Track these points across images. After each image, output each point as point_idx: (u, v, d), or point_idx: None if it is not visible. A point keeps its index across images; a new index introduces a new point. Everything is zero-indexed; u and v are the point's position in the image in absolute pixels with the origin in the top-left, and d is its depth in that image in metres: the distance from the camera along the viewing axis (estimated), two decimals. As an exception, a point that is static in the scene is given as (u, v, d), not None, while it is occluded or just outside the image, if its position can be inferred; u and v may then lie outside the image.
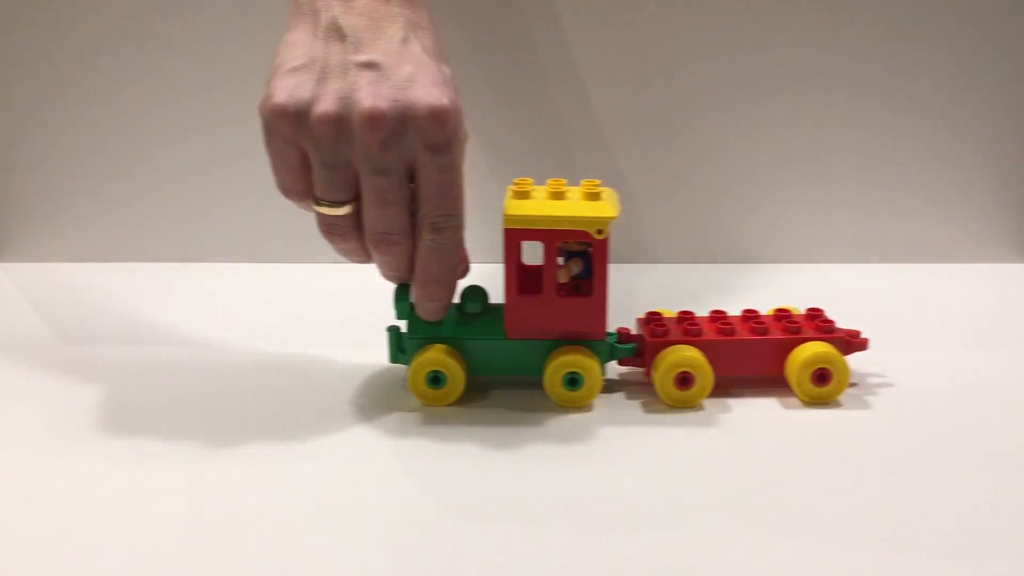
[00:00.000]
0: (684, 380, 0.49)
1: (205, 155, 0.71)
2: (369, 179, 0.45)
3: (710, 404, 0.49)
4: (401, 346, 0.51)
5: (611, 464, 0.44)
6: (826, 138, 0.70)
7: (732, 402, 0.49)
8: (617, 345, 0.51)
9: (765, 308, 0.53)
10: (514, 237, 0.48)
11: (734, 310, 0.53)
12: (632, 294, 0.64)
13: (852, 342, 0.51)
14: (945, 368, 0.53)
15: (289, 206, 0.47)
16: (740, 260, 0.71)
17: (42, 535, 0.39)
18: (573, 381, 0.49)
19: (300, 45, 0.46)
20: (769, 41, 0.68)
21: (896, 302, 0.64)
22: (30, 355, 0.56)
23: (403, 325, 0.50)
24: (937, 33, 0.68)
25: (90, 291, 0.67)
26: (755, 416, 0.48)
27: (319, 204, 0.46)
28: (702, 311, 0.53)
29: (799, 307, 0.53)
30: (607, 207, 0.48)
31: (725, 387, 0.50)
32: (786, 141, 0.70)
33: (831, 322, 0.51)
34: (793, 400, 0.49)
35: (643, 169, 0.71)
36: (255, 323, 0.61)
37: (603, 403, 0.50)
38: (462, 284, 0.50)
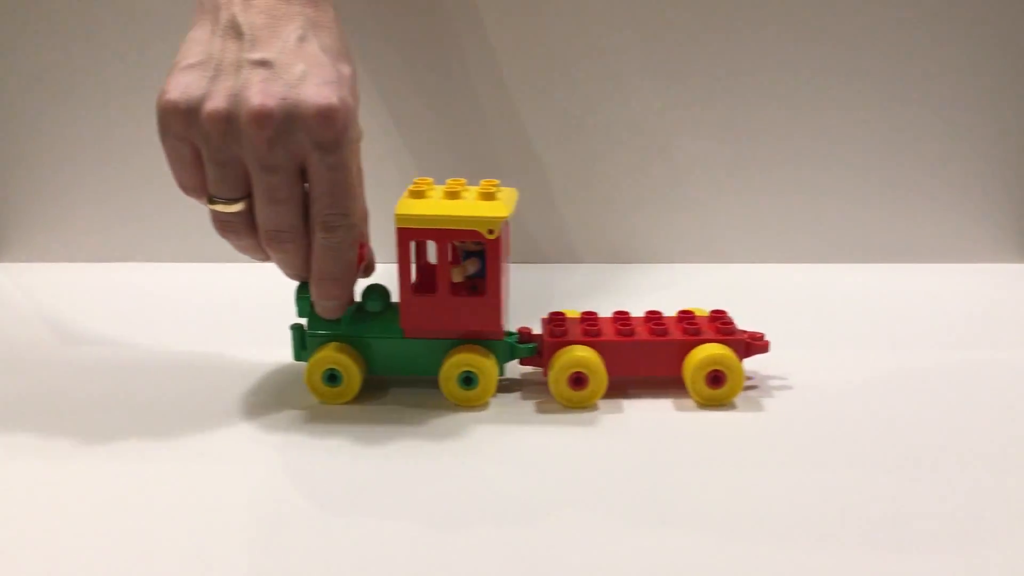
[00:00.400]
0: (578, 380, 0.49)
1: None
2: (259, 177, 0.45)
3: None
4: (304, 344, 0.51)
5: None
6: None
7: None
8: (517, 345, 0.51)
9: (682, 309, 0.53)
10: (406, 236, 0.48)
11: (653, 311, 0.53)
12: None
13: (753, 344, 0.51)
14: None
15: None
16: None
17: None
18: (468, 380, 0.49)
19: (198, 42, 0.46)
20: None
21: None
22: (30, 355, 0.57)
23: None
24: (936, 32, 0.68)
25: (90, 291, 0.67)
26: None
27: (212, 201, 0.46)
28: (627, 311, 0.53)
29: (730, 309, 0.53)
30: (499, 207, 0.48)
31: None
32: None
33: (731, 324, 0.51)
34: (688, 402, 0.49)
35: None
36: (238, 322, 0.61)
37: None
38: (368, 282, 0.51)
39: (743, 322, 0.52)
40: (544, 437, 0.47)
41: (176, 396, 0.51)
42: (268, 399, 0.50)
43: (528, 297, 0.60)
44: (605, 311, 0.53)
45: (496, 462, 0.45)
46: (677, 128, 0.70)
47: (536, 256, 0.72)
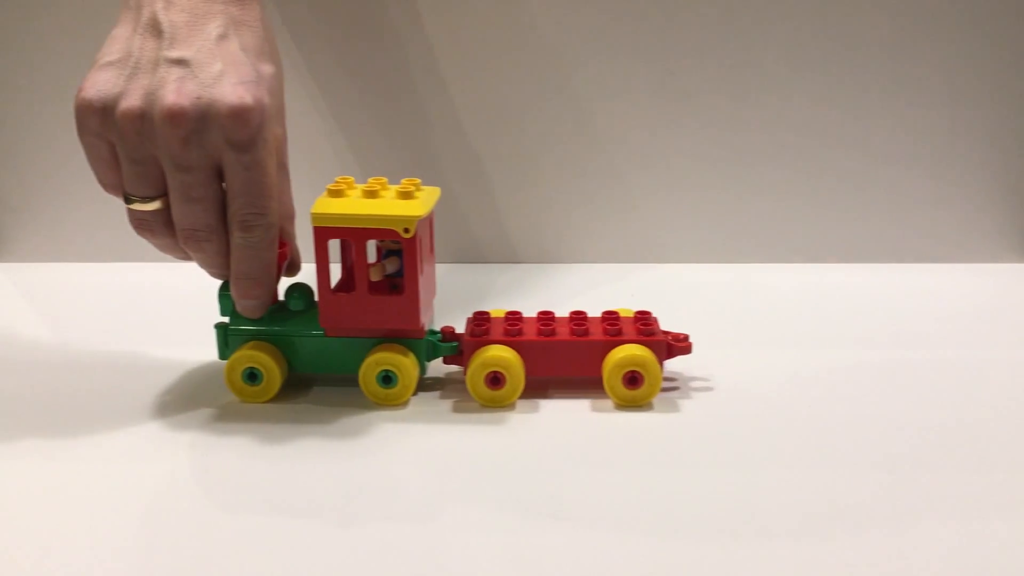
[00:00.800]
0: (495, 379, 0.49)
1: None
2: (174, 175, 0.45)
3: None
4: (227, 342, 0.51)
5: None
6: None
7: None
8: (440, 344, 0.51)
9: (608, 310, 0.53)
10: (322, 235, 0.48)
11: (578, 311, 0.52)
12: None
13: (674, 345, 0.50)
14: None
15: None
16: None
17: None
18: (387, 379, 0.49)
19: (119, 40, 0.47)
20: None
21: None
22: (30, 355, 0.57)
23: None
24: (936, 31, 0.68)
25: (90, 291, 0.68)
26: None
27: (129, 199, 0.47)
28: (552, 311, 0.53)
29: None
30: (416, 206, 0.48)
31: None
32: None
33: (653, 325, 0.51)
34: (606, 403, 0.49)
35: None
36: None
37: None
38: (291, 281, 0.51)
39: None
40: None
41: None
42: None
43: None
44: (538, 311, 0.53)
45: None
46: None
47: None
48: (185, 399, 0.50)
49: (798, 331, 0.60)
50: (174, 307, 0.63)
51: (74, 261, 0.73)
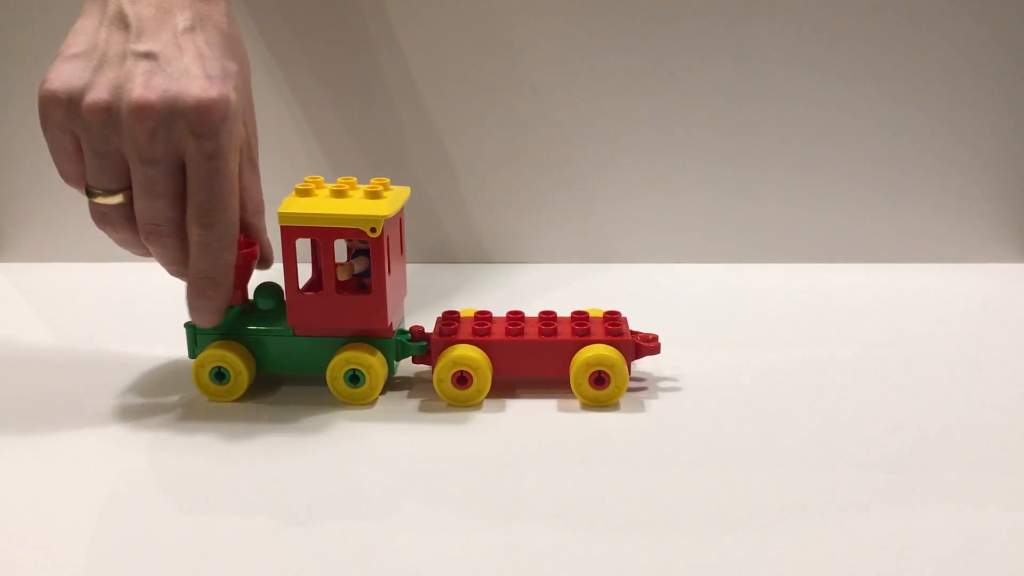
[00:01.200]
0: (462, 379, 0.49)
1: None
2: (138, 169, 0.45)
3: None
4: (196, 341, 0.51)
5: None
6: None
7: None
8: (408, 343, 0.51)
9: (577, 310, 0.53)
10: (290, 235, 0.48)
11: (548, 311, 0.53)
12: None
13: (643, 346, 0.50)
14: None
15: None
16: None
17: None
18: (355, 378, 0.49)
19: (84, 32, 0.47)
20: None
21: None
22: (29, 355, 0.57)
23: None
24: (936, 31, 0.68)
25: (90, 291, 0.68)
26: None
27: (91, 193, 0.47)
28: (522, 311, 0.53)
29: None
30: (383, 206, 0.48)
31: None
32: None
33: (621, 325, 0.51)
34: (573, 402, 0.49)
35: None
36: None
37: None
38: (261, 279, 0.51)
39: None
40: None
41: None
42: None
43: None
44: (508, 310, 0.53)
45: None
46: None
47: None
48: (172, 397, 0.51)
49: (784, 331, 0.60)
50: (174, 307, 0.62)
51: (74, 261, 0.73)
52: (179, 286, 0.51)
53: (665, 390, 0.51)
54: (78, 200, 0.72)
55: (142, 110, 0.44)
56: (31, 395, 0.51)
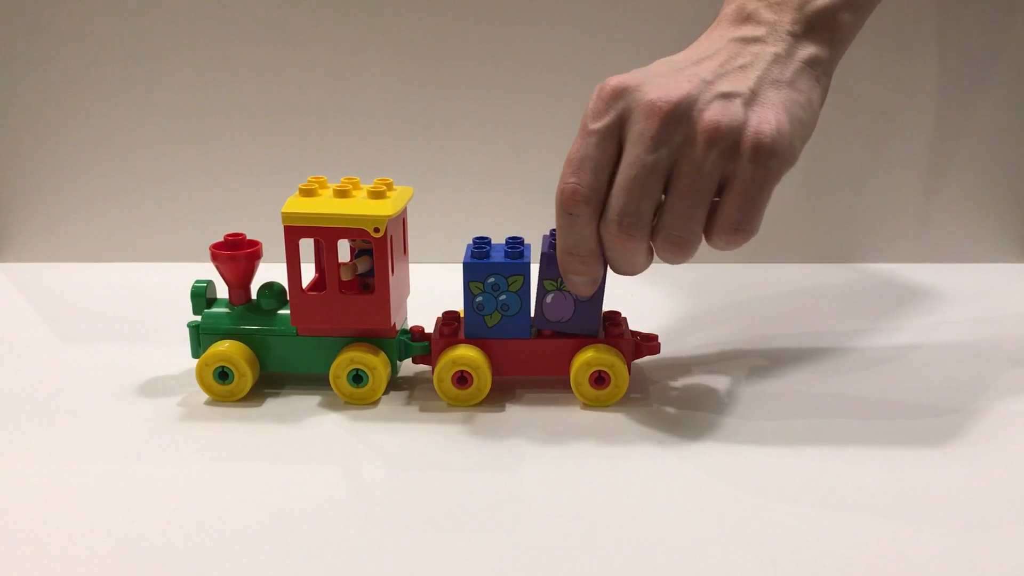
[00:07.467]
0: (462, 379, 0.49)
1: (205, 155, 0.72)
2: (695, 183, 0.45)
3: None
4: (200, 341, 0.51)
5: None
6: None
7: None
8: (411, 343, 0.51)
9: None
10: (293, 235, 0.48)
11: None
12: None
13: (643, 345, 0.51)
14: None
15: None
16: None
17: None
18: (358, 378, 0.50)
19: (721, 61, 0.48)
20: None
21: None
22: (29, 355, 0.57)
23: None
24: (936, 31, 0.68)
25: (90, 291, 0.68)
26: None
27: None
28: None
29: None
30: (386, 205, 0.48)
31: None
32: None
33: (621, 325, 0.51)
34: (573, 402, 0.50)
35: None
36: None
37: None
38: (264, 280, 0.51)
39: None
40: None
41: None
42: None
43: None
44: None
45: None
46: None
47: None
48: (174, 398, 0.51)
49: (784, 331, 0.60)
50: (174, 307, 0.63)
51: (74, 261, 0.74)
52: (181, 286, 0.52)
53: (665, 390, 0.51)
54: (78, 200, 0.75)
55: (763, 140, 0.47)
56: (31, 395, 0.51)
